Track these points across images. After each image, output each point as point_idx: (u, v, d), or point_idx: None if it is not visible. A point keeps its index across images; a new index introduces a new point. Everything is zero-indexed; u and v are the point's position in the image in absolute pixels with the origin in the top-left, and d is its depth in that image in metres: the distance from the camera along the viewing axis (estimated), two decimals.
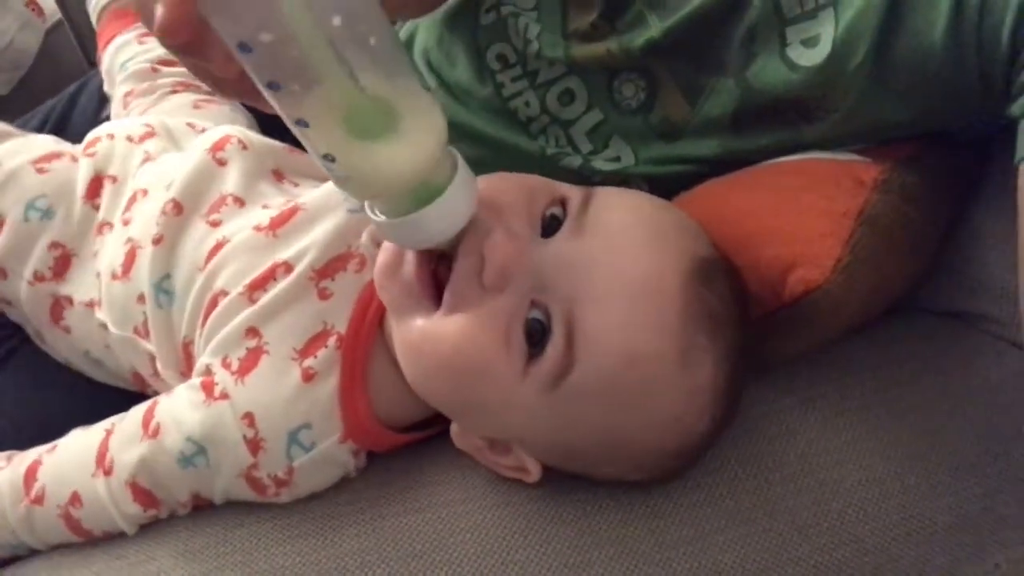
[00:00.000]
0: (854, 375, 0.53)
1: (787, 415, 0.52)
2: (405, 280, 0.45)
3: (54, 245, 0.60)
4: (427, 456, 0.54)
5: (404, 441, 0.53)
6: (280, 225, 0.53)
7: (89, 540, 0.52)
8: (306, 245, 0.52)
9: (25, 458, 0.54)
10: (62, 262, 0.60)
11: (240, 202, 0.56)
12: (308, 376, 0.49)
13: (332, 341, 0.50)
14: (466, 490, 0.51)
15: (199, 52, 0.36)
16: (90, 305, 0.59)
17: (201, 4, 0.33)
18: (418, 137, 0.38)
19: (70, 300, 0.60)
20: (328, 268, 0.51)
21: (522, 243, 0.44)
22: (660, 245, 0.45)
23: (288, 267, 0.51)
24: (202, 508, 0.52)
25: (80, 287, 0.59)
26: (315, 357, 0.49)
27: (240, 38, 0.34)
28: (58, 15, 1.16)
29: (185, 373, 0.54)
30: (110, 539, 0.52)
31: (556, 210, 0.46)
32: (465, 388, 0.45)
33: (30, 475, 0.53)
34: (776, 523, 0.48)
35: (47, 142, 0.67)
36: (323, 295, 0.51)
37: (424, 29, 0.69)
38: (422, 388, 0.48)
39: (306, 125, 0.37)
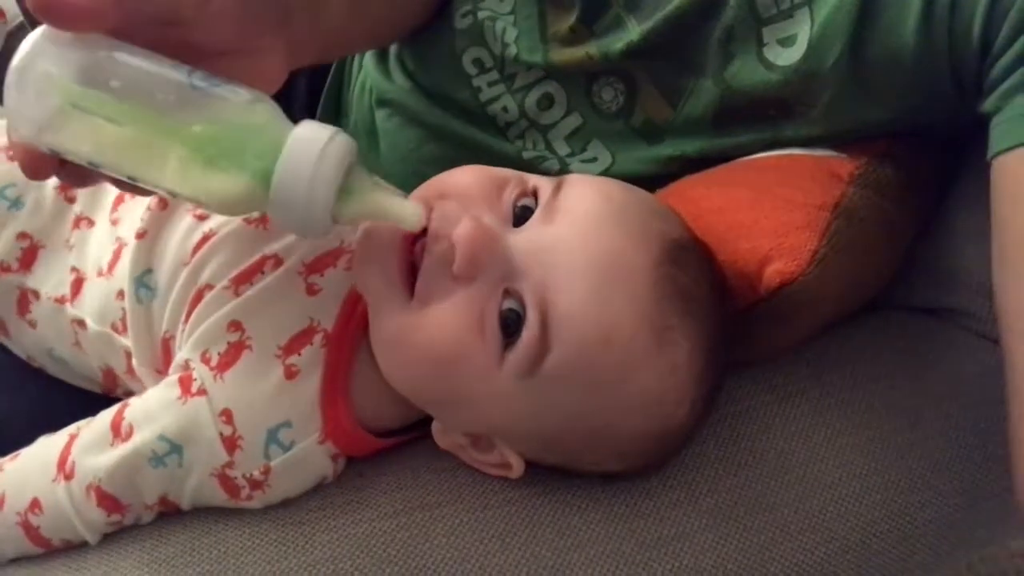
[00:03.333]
0: (832, 372, 0.53)
1: (766, 412, 0.52)
2: (382, 269, 0.45)
3: (22, 236, 0.58)
4: (401, 460, 0.52)
5: (383, 446, 0.52)
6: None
7: (49, 551, 0.50)
8: (296, 238, 0.51)
9: None
10: (29, 253, 0.58)
11: None
12: (291, 373, 0.48)
13: (318, 339, 0.49)
14: (441, 493, 0.50)
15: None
16: (60, 301, 0.57)
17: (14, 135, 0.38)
18: (231, 139, 0.39)
19: (36, 294, 0.58)
20: (318, 263, 0.50)
21: (491, 232, 0.44)
22: (630, 227, 0.45)
23: (278, 260, 0.50)
24: (167, 515, 0.50)
25: (48, 281, 0.58)
26: (299, 355, 0.48)
27: (46, 148, 0.38)
28: (20, 18, 1.14)
29: (161, 371, 0.53)
30: (70, 550, 0.50)
31: (527, 200, 0.46)
32: (441, 380, 0.45)
33: None
34: (757, 521, 0.48)
35: None
36: (311, 291, 0.50)
37: None
38: (399, 382, 0.47)
39: (135, 180, 0.39)
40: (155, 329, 0.52)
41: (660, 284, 0.44)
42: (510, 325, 0.43)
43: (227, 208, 0.41)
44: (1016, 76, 0.44)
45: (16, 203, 0.59)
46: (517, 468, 0.48)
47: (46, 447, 0.51)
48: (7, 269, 0.58)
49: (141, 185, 0.40)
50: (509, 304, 0.43)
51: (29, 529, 0.49)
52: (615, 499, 0.49)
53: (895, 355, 0.54)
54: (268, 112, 0.39)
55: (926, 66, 0.48)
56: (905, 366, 0.54)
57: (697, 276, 0.46)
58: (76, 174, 0.40)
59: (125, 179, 0.40)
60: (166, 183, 0.39)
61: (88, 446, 0.49)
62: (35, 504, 0.49)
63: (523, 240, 0.44)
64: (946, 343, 0.55)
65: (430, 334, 0.44)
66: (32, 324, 0.58)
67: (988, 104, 0.46)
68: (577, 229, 0.44)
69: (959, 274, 0.54)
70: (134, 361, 0.53)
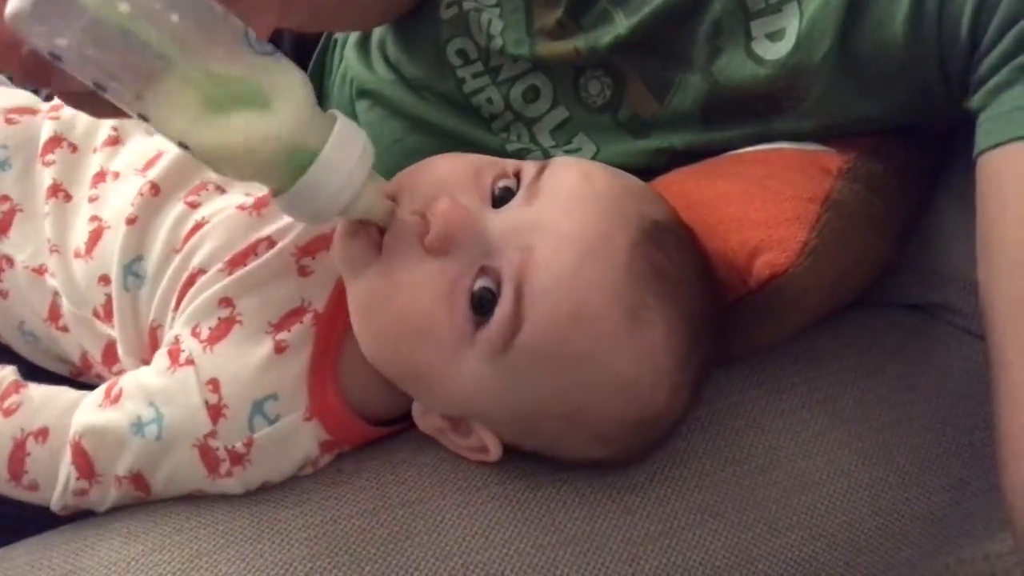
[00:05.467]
0: (820, 367, 0.53)
1: (754, 407, 0.51)
2: (353, 237, 0.45)
3: (3, 199, 0.57)
4: (381, 455, 0.51)
5: (375, 435, 0.52)
6: (265, 204, 0.52)
7: (12, 483, 0.49)
8: (291, 222, 0.51)
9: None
10: (7, 218, 0.57)
11: (222, 190, 0.55)
12: (280, 348, 0.48)
13: (308, 318, 0.49)
14: (423, 489, 0.49)
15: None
16: (39, 271, 0.56)
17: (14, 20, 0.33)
18: (269, 103, 0.38)
19: (10, 260, 0.57)
20: (311, 246, 0.51)
21: (469, 211, 0.44)
22: (610, 207, 0.45)
23: (271, 242, 0.51)
24: (137, 509, 0.49)
25: (23, 248, 0.56)
26: (289, 331, 0.49)
27: (49, 48, 0.34)
28: None
29: (147, 361, 0.52)
30: (33, 548, 0.48)
31: (509, 182, 0.47)
32: (411, 352, 0.45)
33: (11, 388, 0.50)
34: (745, 517, 0.48)
35: (25, 95, 0.65)
36: (303, 272, 0.50)
37: None
38: (371, 352, 0.47)
39: (147, 119, 0.37)
40: (142, 318, 0.52)
41: (636, 263, 0.44)
42: (484, 305, 0.43)
43: (233, 167, 0.40)
44: (1003, 73, 0.44)
45: (3, 164, 0.58)
46: (494, 451, 0.48)
47: (66, 394, 0.50)
48: None
49: (130, 110, 0.37)
50: (483, 283, 0.43)
51: (19, 449, 0.48)
52: (601, 495, 0.48)
53: (883, 351, 0.54)
54: (309, 95, 0.40)
55: (915, 61, 0.48)
56: (892, 361, 0.54)
57: (678, 258, 0.46)
58: (37, 70, 0.36)
59: (93, 86, 0.36)
60: (152, 109, 0.37)
61: (83, 407, 0.49)
62: (43, 432, 0.48)
63: (503, 220, 0.45)
64: (934, 339, 0.55)
65: (397, 302, 0.44)
66: (3, 294, 0.57)
67: (975, 101, 0.46)
68: (556, 208, 0.44)
69: (946, 271, 0.54)
70: (120, 350, 0.53)
